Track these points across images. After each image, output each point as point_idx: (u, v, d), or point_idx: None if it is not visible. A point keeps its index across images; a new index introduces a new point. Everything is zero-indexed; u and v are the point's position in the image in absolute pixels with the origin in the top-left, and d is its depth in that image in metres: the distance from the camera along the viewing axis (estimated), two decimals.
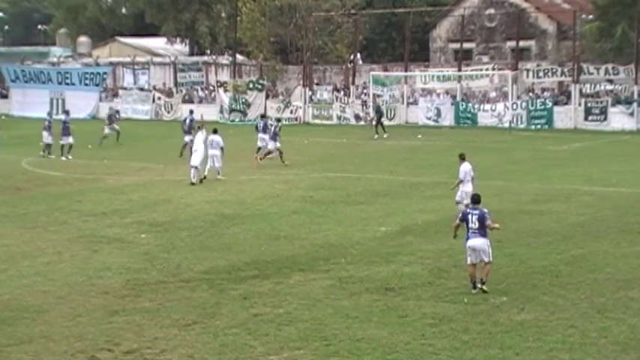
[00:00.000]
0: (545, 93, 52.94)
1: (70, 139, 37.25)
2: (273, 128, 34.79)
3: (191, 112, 40.95)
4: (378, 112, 48.45)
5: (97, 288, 15.99)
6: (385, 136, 45.24)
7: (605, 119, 49.16)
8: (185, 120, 38.92)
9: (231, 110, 58.42)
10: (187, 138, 36.10)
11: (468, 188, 21.03)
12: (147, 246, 19.54)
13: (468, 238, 15.40)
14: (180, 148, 36.42)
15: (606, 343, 12.61)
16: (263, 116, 40.06)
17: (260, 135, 35.62)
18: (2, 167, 33.88)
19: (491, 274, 15.55)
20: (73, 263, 17.98)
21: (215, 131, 30.46)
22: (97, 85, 64.19)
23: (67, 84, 64.32)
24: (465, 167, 21.60)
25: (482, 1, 65.76)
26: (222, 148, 29.88)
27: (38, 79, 65.55)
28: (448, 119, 52.92)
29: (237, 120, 57.35)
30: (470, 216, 15.36)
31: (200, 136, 29.96)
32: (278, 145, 33.95)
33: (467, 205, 15.83)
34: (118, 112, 49.36)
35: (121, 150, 40.43)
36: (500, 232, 20.37)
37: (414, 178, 29.93)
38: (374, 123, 47.55)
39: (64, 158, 36.48)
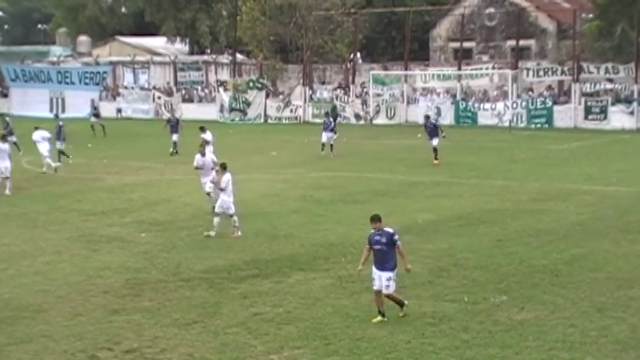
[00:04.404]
0: (545, 92, 52.91)
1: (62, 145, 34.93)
2: None
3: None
4: (333, 112, 48.74)
5: (97, 287, 16.00)
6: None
7: (605, 118, 49.15)
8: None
9: (231, 109, 58.46)
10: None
11: (230, 198, 20.46)
12: (147, 245, 19.55)
13: (375, 263, 13.77)
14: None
15: (606, 342, 12.61)
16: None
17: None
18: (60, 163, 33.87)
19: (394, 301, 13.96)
20: (73, 262, 17.99)
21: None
22: (97, 84, 64.25)
23: (67, 83, 64.41)
24: (228, 177, 20.65)
25: (482, 0, 65.74)
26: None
27: (38, 78, 65.58)
28: (448, 118, 52.89)
29: (237, 119, 57.37)
30: (376, 238, 13.67)
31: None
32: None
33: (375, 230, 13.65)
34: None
35: (121, 149, 40.43)
36: (501, 231, 20.48)
37: (414, 177, 29.92)
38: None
39: (59, 163, 33.65)
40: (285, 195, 26.39)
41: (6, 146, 28.36)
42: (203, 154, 23.45)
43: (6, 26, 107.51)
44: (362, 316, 13.89)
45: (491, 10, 65.51)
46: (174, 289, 15.78)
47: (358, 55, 65.73)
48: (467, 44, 62.94)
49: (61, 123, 36.35)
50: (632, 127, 47.99)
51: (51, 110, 63.30)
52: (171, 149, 37.51)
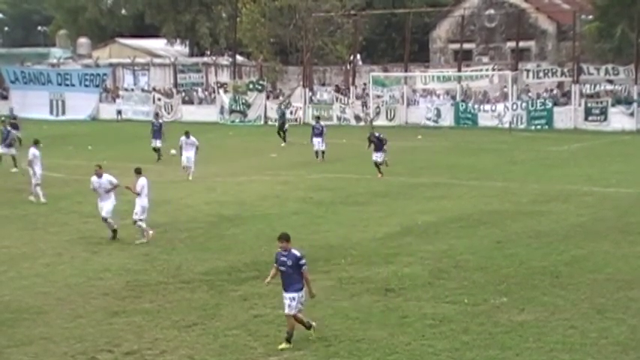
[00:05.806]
0: (545, 93, 52.93)
1: (13, 150, 33.65)
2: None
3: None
4: (281, 118, 46.43)
5: (97, 289, 16.00)
6: (282, 145, 42.53)
7: (605, 119, 49.17)
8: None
9: (231, 111, 58.52)
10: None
11: (145, 203, 20.16)
12: (147, 247, 19.54)
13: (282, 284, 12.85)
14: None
15: (606, 343, 12.61)
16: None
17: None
18: (2, 168, 33.87)
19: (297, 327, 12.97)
20: (73, 264, 17.99)
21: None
22: (96, 86, 64.30)
23: (67, 85, 64.45)
24: (143, 181, 20.24)
25: (482, 2, 65.81)
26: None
27: (38, 80, 65.62)
28: (448, 120, 52.94)
29: (237, 121, 57.43)
30: (282, 259, 12.72)
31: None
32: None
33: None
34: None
35: (121, 151, 40.40)
36: (501, 232, 20.48)
37: (414, 178, 29.92)
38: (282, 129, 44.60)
39: (15, 169, 32.50)
40: (285, 196, 26.38)
41: (38, 152, 27.11)
42: (99, 175, 20.75)
43: (6, 28, 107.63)
44: (362, 317, 13.89)
45: (491, 11, 65.57)
46: (175, 291, 15.78)
47: (358, 56, 65.80)
48: (467, 46, 62.99)
49: (9, 128, 34.83)
50: (632, 128, 48.00)
51: (51, 112, 63.43)
52: (156, 156, 36.13)
